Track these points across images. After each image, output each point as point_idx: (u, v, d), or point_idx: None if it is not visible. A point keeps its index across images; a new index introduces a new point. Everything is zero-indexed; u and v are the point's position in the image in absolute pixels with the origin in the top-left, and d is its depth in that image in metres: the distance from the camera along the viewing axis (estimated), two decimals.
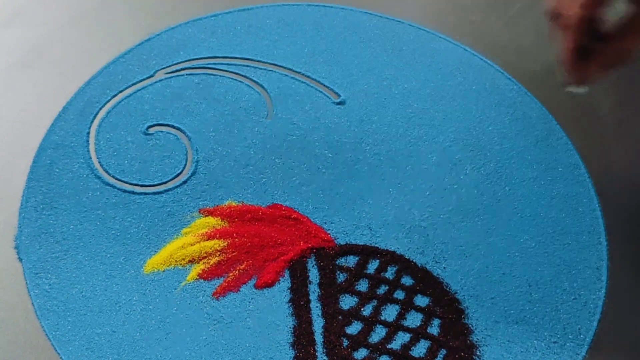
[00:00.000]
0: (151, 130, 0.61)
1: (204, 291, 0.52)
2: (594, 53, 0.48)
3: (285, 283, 0.53)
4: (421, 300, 0.53)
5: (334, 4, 0.71)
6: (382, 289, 0.53)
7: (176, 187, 0.58)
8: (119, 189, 0.58)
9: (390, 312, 0.52)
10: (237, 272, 0.53)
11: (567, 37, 0.48)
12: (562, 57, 0.49)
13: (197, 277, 0.53)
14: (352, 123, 0.62)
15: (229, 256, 0.54)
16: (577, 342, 0.51)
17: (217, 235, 0.55)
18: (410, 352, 0.50)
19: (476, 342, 0.51)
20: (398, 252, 0.55)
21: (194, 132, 0.61)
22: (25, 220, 0.56)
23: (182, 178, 0.58)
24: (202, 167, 0.59)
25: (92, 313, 0.51)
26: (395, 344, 0.51)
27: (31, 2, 0.71)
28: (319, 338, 0.51)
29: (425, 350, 0.50)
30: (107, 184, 0.58)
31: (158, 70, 0.65)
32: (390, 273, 0.54)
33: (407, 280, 0.54)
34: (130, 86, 0.64)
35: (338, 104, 0.64)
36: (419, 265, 0.54)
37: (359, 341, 0.51)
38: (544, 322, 0.52)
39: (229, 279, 0.53)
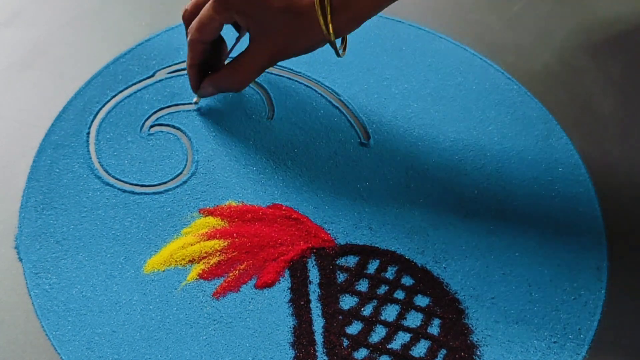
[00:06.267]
0: (151, 130, 0.61)
1: (204, 291, 0.52)
2: (209, 72, 0.59)
3: (285, 283, 0.53)
4: (421, 300, 0.53)
5: None
6: (382, 289, 0.53)
7: (176, 187, 0.58)
8: (119, 189, 0.58)
9: (390, 312, 0.52)
10: (237, 272, 0.53)
11: (191, 54, 0.58)
12: (188, 69, 0.59)
13: (197, 277, 0.53)
14: (352, 123, 0.62)
15: (229, 256, 0.54)
16: (577, 342, 0.51)
17: (218, 235, 0.55)
18: (411, 352, 0.50)
19: (476, 342, 0.51)
20: (398, 252, 0.55)
21: (194, 132, 0.61)
22: (25, 220, 0.56)
23: (182, 178, 0.58)
24: (203, 167, 0.59)
25: (92, 313, 0.51)
26: (396, 344, 0.51)
27: (31, 2, 0.71)
28: (319, 338, 0.51)
29: (425, 350, 0.50)
30: (107, 184, 0.58)
31: (158, 70, 0.65)
32: (390, 273, 0.54)
33: (407, 280, 0.54)
34: (130, 86, 0.64)
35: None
36: (419, 265, 0.54)
37: (359, 341, 0.51)
38: (544, 322, 0.52)
39: (229, 278, 0.53)
